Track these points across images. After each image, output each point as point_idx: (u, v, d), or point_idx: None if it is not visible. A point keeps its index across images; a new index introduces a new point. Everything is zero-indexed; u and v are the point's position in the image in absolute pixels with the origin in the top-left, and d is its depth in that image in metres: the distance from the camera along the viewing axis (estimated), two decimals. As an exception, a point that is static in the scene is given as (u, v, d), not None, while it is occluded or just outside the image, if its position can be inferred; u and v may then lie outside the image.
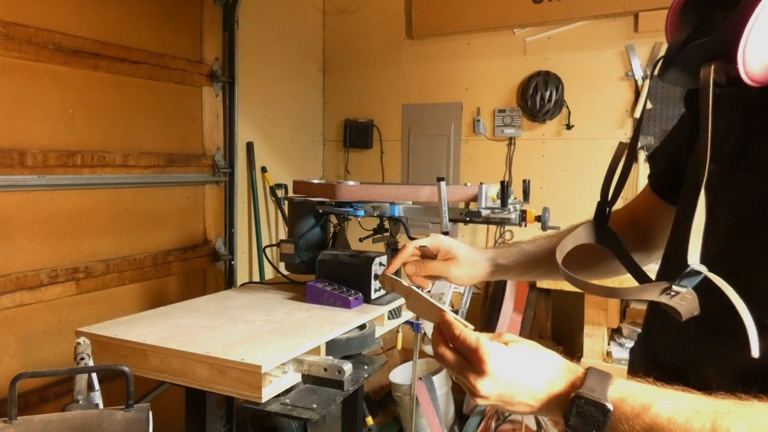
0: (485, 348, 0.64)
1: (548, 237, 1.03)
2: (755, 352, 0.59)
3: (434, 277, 1.00)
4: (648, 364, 0.80)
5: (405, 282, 0.86)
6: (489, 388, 0.63)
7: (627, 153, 0.84)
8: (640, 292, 0.67)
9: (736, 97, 0.68)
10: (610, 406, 0.58)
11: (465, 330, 0.67)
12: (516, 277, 1.05)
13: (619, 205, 0.90)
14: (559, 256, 0.81)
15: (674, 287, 0.64)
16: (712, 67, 0.63)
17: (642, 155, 2.78)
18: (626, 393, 0.59)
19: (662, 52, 2.74)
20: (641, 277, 0.79)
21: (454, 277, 0.98)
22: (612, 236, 0.85)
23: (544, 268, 1.00)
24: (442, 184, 1.49)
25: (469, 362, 0.65)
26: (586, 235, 0.85)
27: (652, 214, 0.95)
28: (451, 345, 0.67)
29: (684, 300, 0.64)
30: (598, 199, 0.86)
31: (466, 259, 0.98)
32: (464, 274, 0.98)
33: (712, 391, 0.58)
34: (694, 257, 0.62)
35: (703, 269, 0.62)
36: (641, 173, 2.81)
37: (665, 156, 0.95)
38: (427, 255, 0.99)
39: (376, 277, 1.60)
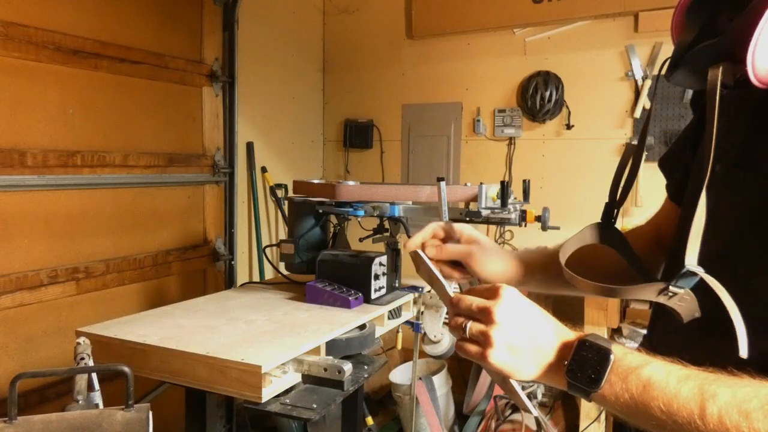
0: (493, 296, 0.66)
1: None
2: (743, 352, 0.60)
3: (457, 267, 0.93)
4: None
5: (431, 265, 0.83)
6: (498, 335, 0.64)
7: (634, 155, 0.83)
8: (637, 292, 0.68)
9: (741, 98, 0.69)
10: (612, 354, 0.60)
11: (472, 296, 0.69)
12: (542, 281, 0.96)
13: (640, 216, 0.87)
14: (563, 257, 0.80)
15: (671, 288, 0.64)
16: (720, 69, 0.63)
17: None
18: (624, 352, 0.61)
19: (662, 53, 2.73)
20: (647, 278, 0.79)
21: (477, 261, 0.90)
22: (617, 236, 0.84)
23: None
24: (442, 184, 1.50)
25: (478, 319, 0.66)
26: (591, 235, 0.84)
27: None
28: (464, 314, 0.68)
29: (683, 301, 0.64)
30: (605, 201, 0.85)
31: (491, 246, 0.93)
32: (489, 261, 0.91)
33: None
34: (691, 258, 0.62)
35: (699, 270, 0.62)
36: (642, 174, 2.81)
37: (679, 165, 0.92)
38: (449, 238, 0.93)
39: (377, 277, 1.60)
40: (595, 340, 0.62)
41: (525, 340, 0.64)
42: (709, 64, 0.65)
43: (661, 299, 0.65)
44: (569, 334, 0.65)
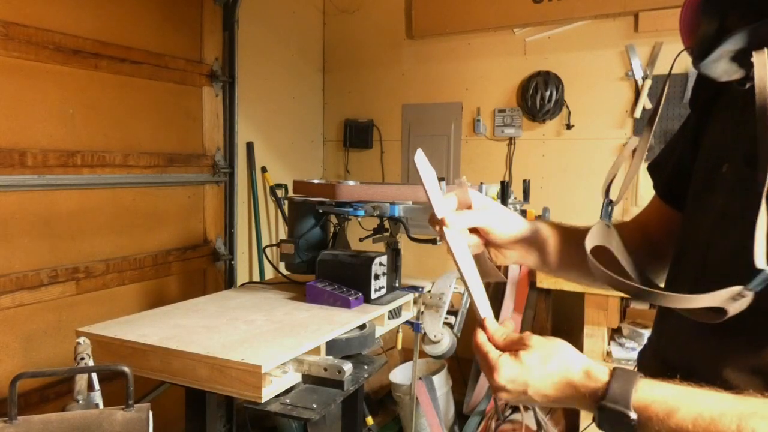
0: (494, 364, 0.68)
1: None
2: None
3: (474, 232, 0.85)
4: (660, 367, 0.79)
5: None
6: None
7: (636, 154, 0.82)
8: (709, 300, 0.62)
9: (750, 95, 0.68)
10: (633, 416, 0.59)
11: (487, 344, 0.71)
12: (552, 253, 0.90)
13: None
14: (589, 246, 0.76)
15: (744, 291, 0.60)
16: (766, 53, 0.61)
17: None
18: (651, 398, 0.60)
19: (663, 53, 2.70)
20: (649, 285, 0.78)
21: (494, 230, 0.84)
22: (617, 239, 0.83)
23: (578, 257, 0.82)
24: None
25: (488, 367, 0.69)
26: (599, 237, 0.81)
27: (665, 225, 0.90)
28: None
29: (741, 304, 0.61)
30: (603, 199, 0.84)
31: (504, 211, 0.87)
32: (505, 225, 0.85)
33: (731, 391, 0.58)
34: (761, 260, 0.59)
35: None
36: (642, 174, 2.81)
37: (671, 164, 0.90)
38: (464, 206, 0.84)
39: (377, 277, 1.60)
40: (613, 405, 0.61)
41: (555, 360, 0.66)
42: (750, 48, 0.63)
43: (727, 304, 0.61)
44: (579, 394, 0.65)
